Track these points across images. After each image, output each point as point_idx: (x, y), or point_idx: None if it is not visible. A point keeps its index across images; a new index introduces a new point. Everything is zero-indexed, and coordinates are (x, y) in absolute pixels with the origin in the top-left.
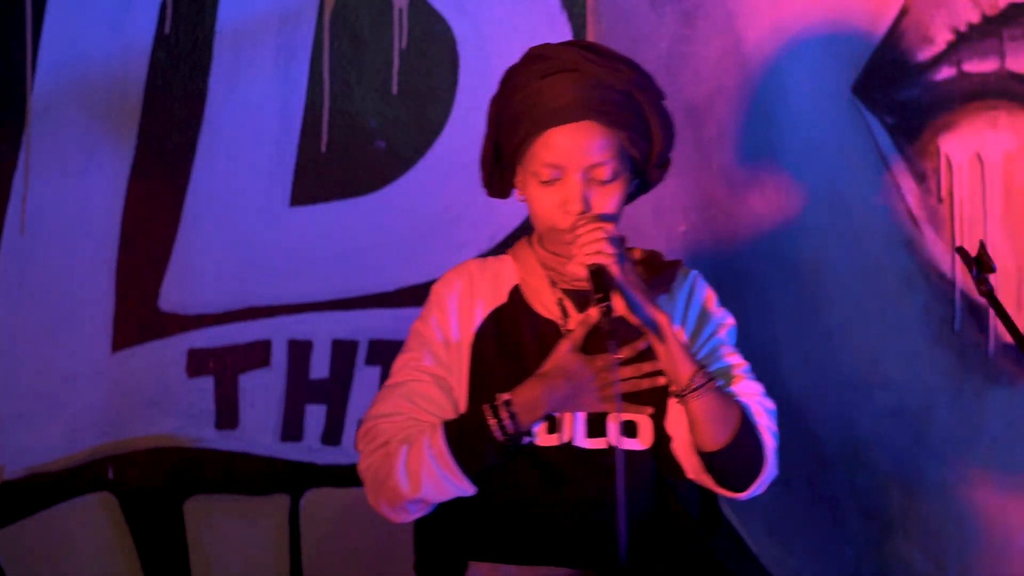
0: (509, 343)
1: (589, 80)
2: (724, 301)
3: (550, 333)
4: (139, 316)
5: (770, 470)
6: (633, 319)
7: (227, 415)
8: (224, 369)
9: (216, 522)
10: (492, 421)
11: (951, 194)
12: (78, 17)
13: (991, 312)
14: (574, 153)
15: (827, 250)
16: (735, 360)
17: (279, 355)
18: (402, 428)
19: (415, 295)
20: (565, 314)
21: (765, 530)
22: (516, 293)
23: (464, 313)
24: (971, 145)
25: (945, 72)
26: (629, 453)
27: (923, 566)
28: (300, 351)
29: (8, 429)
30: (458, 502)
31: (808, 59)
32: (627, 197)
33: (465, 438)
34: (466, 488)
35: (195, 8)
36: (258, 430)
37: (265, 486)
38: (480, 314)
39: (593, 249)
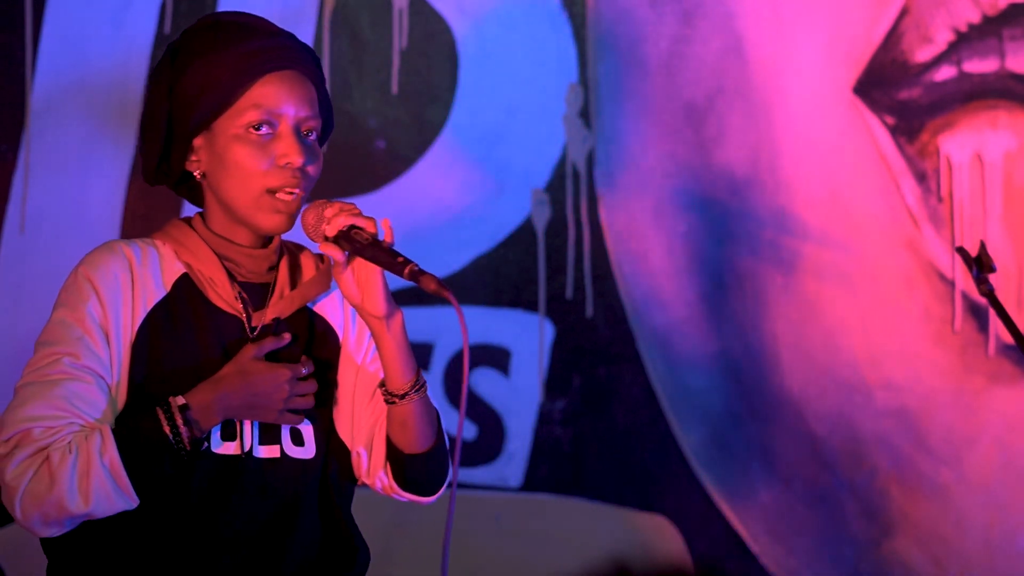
0: (183, 341)
1: (282, 35)
2: (724, 301)
3: (233, 330)
4: None
5: (450, 472)
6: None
7: None
8: None
9: None
10: (167, 428)
11: (951, 194)
12: (78, 17)
13: (991, 312)
14: (290, 101)
15: (827, 250)
16: None
17: None
18: (62, 435)
19: (415, 294)
20: (247, 311)
21: (765, 530)
22: (185, 284)
23: (124, 306)
24: (971, 145)
25: (945, 72)
26: (300, 463)
27: (922, 566)
28: None
29: None
30: (105, 519)
31: (808, 59)
32: None
33: (139, 447)
34: (132, 502)
35: (195, 8)
36: None
37: None
38: (142, 308)
39: (357, 222)
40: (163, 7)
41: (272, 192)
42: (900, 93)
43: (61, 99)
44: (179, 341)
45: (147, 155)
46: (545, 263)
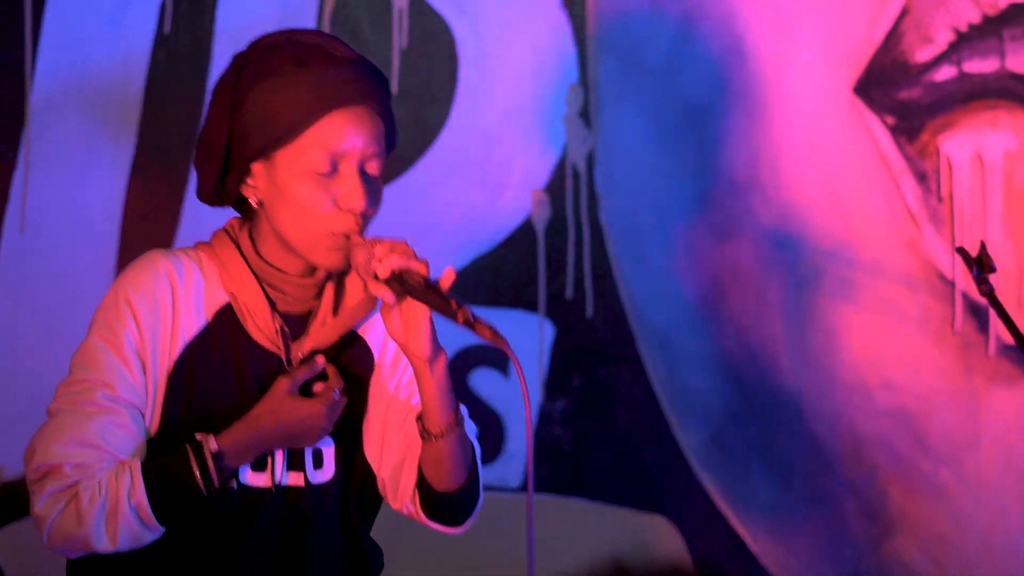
0: (220, 377)
1: (355, 63)
2: (724, 301)
3: (271, 365)
4: None
5: (481, 502)
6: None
7: None
8: None
9: None
10: (199, 476)
11: (951, 194)
12: (78, 17)
13: (991, 312)
14: (357, 139)
15: (827, 250)
16: None
17: None
18: (92, 473)
19: None
20: (287, 345)
21: (765, 530)
22: (226, 313)
23: (163, 334)
24: (971, 145)
25: (945, 72)
26: (321, 487)
27: (922, 566)
28: None
29: (8, 430)
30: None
31: (808, 59)
32: None
33: (168, 489)
34: (157, 534)
35: (195, 8)
36: None
37: None
38: (181, 339)
39: (410, 264)
40: (163, 7)
41: (331, 234)
42: (900, 93)
43: (61, 99)
44: (216, 377)
45: (203, 176)
46: (545, 263)
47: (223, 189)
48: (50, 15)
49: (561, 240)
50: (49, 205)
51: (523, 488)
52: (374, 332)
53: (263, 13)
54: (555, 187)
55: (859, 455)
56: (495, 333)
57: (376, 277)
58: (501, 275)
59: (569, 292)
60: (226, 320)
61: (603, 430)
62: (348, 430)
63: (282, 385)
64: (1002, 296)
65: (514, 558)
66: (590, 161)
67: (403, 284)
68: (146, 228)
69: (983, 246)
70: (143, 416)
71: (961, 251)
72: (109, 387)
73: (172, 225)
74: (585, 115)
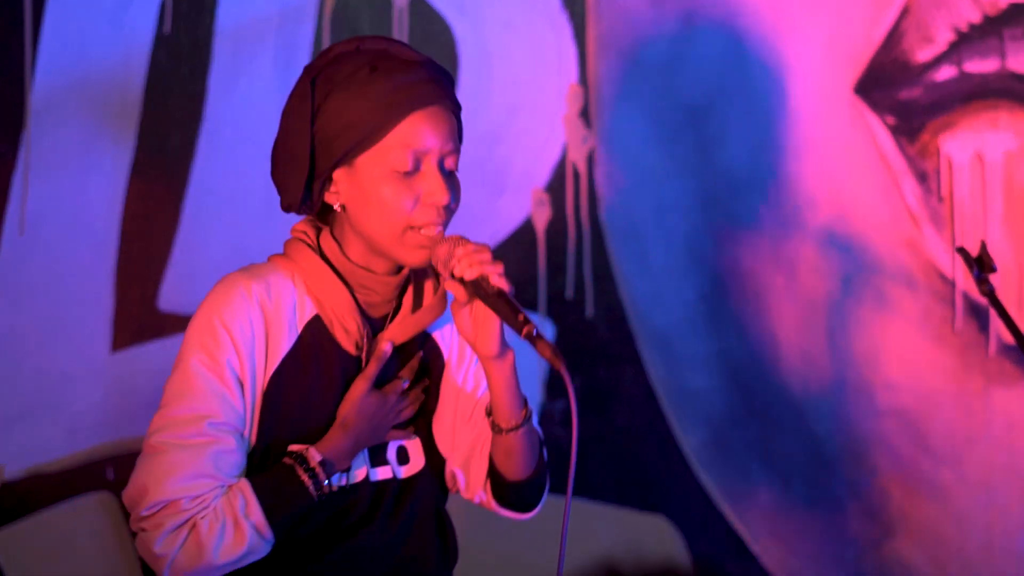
0: (311, 389)
1: (425, 65)
2: (724, 301)
3: (355, 370)
4: (138, 316)
5: (548, 489)
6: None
7: None
8: None
9: None
10: (310, 486)
11: (952, 194)
12: (78, 17)
13: (991, 312)
14: (436, 138)
15: (827, 250)
16: None
17: None
18: (209, 503)
19: None
20: (368, 346)
21: (766, 530)
22: (315, 325)
23: (259, 356)
24: (972, 145)
25: (946, 72)
26: (411, 479)
27: (923, 566)
28: None
29: (8, 429)
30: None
31: (809, 59)
32: None
33: (282, 502)
34: (271, 543)
35: (195, 8)
36: None
37: None
38: (276, 357)
39: (494, 270)
40: (163, 7)
41: (415, 228)
42: (901, 93)
43: (61, 99)
44: (308, 390)
45: (290, 188)
46: (545, 263)
47: (309, 197)
48: (50, 16)
49: (561, 240)
50: (49, 206)
51: None
52: (443, 332)
53: (264, 13)
54: (555, 187)
55: (860, 455)
56: (555, 353)
57: (452, 275)
58: None
59: (569, 292)
60: (315, 331)
61: (603, 430)
62: (426, 424)
63: (360, 385)
64: (1002, 296)
65: (514, 558)
66: (590, 161)
67: (477, 288)
68: (146, 229)
69: (983, 246)
70: (245, 437)
71: (961, 251)
72: (214, 415)
73: (172, 225)
74: (585, 115)
